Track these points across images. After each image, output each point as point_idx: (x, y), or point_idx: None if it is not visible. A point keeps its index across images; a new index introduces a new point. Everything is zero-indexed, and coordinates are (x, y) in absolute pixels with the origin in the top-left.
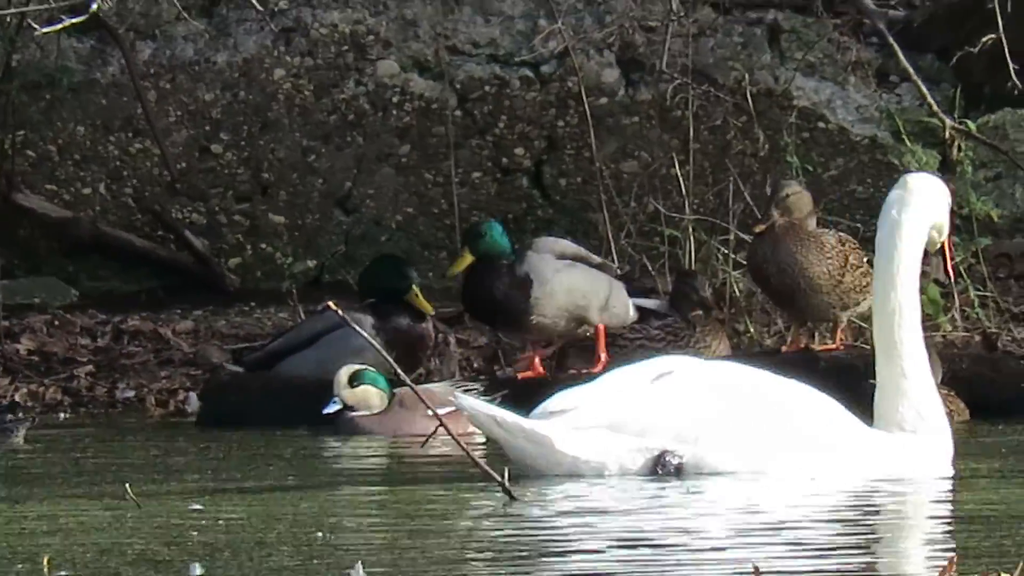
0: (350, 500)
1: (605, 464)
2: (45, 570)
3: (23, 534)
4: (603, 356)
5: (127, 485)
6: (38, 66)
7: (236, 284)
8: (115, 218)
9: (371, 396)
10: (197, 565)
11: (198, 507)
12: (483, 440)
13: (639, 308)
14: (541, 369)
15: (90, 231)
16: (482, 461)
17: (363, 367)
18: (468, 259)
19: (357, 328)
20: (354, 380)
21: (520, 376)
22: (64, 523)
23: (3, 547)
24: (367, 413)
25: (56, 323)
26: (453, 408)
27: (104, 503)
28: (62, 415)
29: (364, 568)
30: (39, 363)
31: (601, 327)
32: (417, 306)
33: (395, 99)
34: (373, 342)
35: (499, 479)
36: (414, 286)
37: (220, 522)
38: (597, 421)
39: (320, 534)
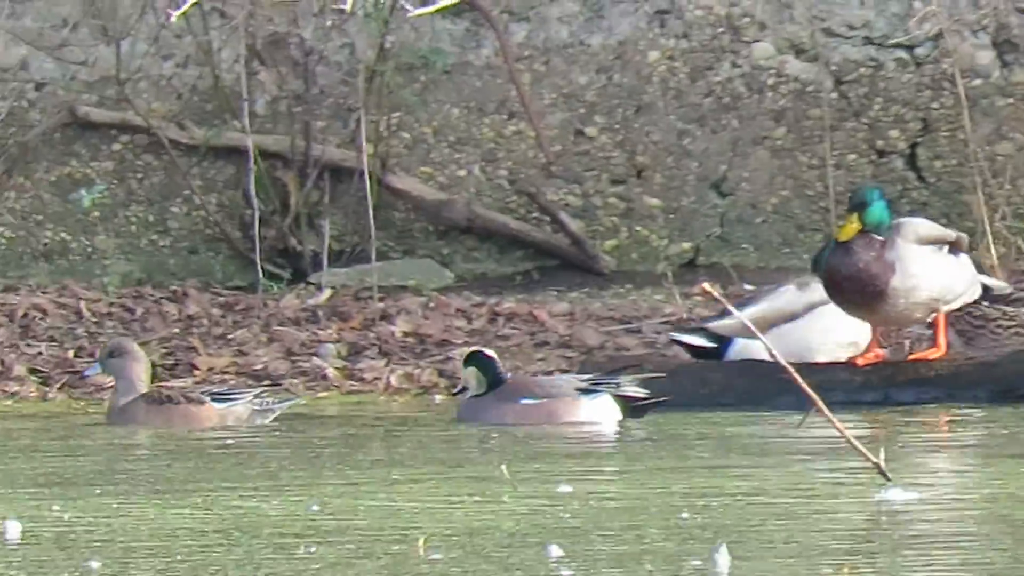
0: (721, 481)
1: None
2: (421, 551)
3: (399, 515)
4: (943, 345)
5: (503, 466)
6: (412, 48)
7: (611, 266)
8: (490, 200)
9: (471, 379)
10: (555, 546)
11: (568, 488)
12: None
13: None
14: (882, 354)
15: (465, 213)
16: (858, 442)
17: (478, 349)
18: (857, 226)
19: (733, 310)
20: (467, 361)
21: (862, 363)
22: (439, 504)
23: (379, 529)
24: (469, 396)
25: (431, 305)
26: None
27: (478, 485)
28: (437, 397)
29: (729, 550)
30: (414, 345)
31: (942, 316)
32: None
33: (770, 81)
34: (747, 322)
35: (874, 460)
36: None
37: (591, 503)
38: None
39: (686, 515)
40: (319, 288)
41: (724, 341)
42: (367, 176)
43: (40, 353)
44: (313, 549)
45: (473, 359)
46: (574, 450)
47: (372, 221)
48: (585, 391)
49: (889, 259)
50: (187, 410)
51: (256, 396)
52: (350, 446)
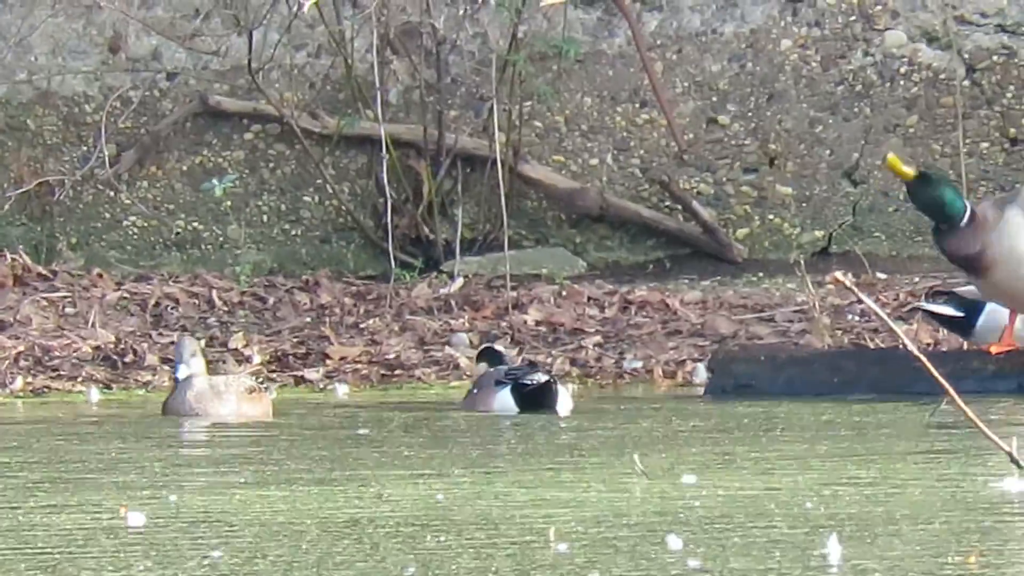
0: (851, 470)
1: None
2: (552, 541)
3: (529, 505)
4: (1007, 343)
5: (635, 456)
6: (544, 37)
7: (743, 255)
8: (622, 188)
9: (479, 372)
10: (674, 536)
11: (693, 479)
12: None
13: None
14: (1016, 343)
15: (597, 202)
16: (990, 430)
17: (489, 345)
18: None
19: (866, 299)
20: (478, 357)
21: (995, 351)
22: (568, 493)
23: (508, 519)
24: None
25: (563, 293)
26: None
27: (610, 474)
28: (570, 386)
29: (840, 540)
30: (546, 334)
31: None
32: None
33: (902, 69)
34: (879, 312)
35: (1007, 449)
36: None
37: (720, 493)
38: None
39: (810, 504)
40: (451, 277)
41: (973, 310)
42: (500, 165)
43: (172, 343)
44: (442, 539)
45: (484, 354)
46: (700, 440)
47: (505, 210)
48: (498, 382)
49: (991, 224)
50: (264, 399)
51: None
52: (480, 435)
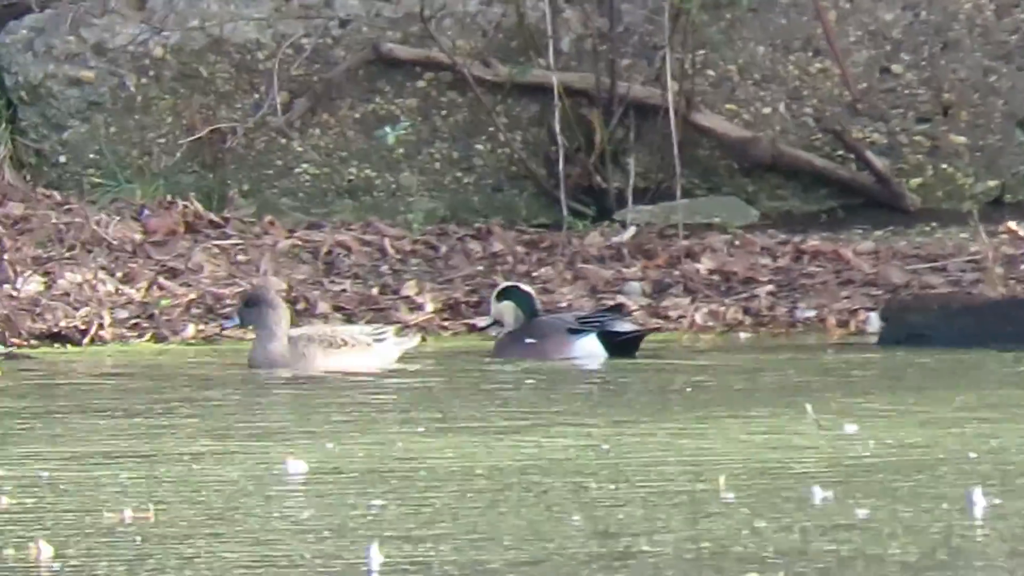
0: (1022, 424)
1: None
2: (720, 489)
3: (700, 454)
4: None
5: (807, 405)
6: None
7: (917, 204)
8: (795, 138)
9: (507, 313)
10: (818, 488)
11: (860, 429)
12: None
13: None
14: None
15: (770, 151)
16: None
17: (514, 284)
18: None
19: None
20: (501, 296)
21: None
22: (738, 442)
23: (680, 467)
24: (505, 332)
25: (736, 243)
26: None
27: (780, 422)
28: (742, 335)
29: (1007, 493)
30: (719, 283)
31: None
32: None
33: None
34: None
35: None
36: None
37: (888, 442)
38: None
39: (974, 455)
40: (624, 226)
41: None
42: (672, 114)
43: (344, 290)
44: (611, 487)
45: (510, 294)
46: (871, 389)
47: (677, 158)
48: (574, 331)
49: None
50: (359, 352)
51: (394, 334)
52: (654, 384)
